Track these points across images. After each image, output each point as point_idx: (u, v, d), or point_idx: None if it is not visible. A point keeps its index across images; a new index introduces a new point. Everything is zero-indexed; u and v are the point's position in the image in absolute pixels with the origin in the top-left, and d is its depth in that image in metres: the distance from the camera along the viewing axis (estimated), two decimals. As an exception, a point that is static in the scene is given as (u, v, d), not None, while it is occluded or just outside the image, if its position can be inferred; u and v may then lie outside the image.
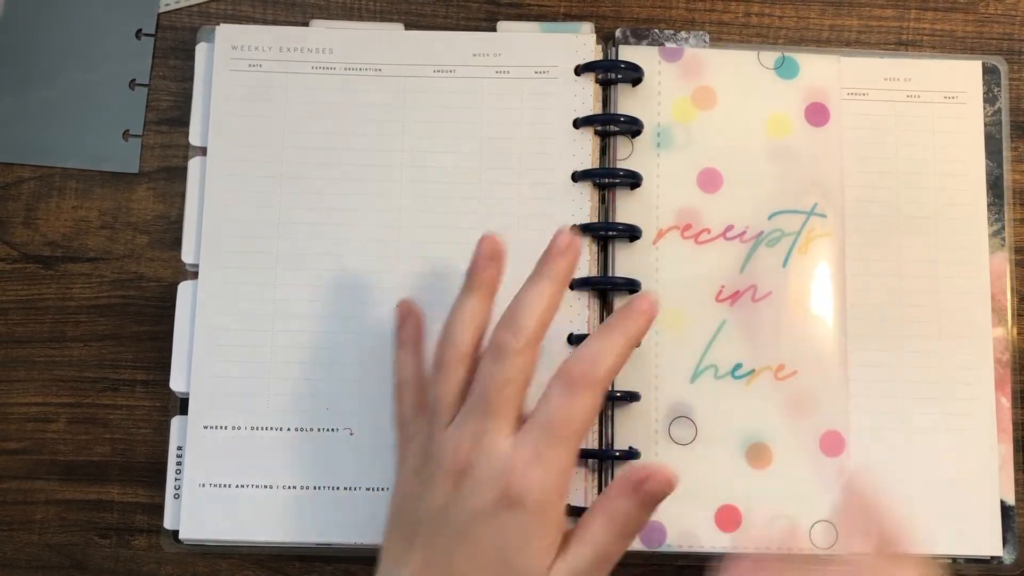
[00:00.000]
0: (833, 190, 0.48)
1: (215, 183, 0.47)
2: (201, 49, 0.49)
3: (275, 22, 0.50)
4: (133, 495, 0.47)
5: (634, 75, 0.48)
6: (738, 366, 0.46)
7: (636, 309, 0.37)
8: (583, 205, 0.47)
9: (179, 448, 0.46)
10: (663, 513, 0.45)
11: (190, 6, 0.50)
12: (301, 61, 0.48)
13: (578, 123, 0.48)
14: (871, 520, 0.39)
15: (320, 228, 0.47)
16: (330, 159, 0.48)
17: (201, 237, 0.47)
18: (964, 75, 0.50)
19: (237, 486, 0.45)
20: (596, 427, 0.46)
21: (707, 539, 0.45)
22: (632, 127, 0.48)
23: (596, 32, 0.49)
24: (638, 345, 0.41)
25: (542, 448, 0.35)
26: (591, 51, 0.49)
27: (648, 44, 0.49)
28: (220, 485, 0.45)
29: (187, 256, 0.47)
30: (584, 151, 0.48)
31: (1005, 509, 0.46)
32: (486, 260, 0.39)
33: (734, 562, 0.38)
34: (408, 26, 0.50)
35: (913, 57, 0.50)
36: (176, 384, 0.46)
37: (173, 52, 0.50)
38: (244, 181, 0.47)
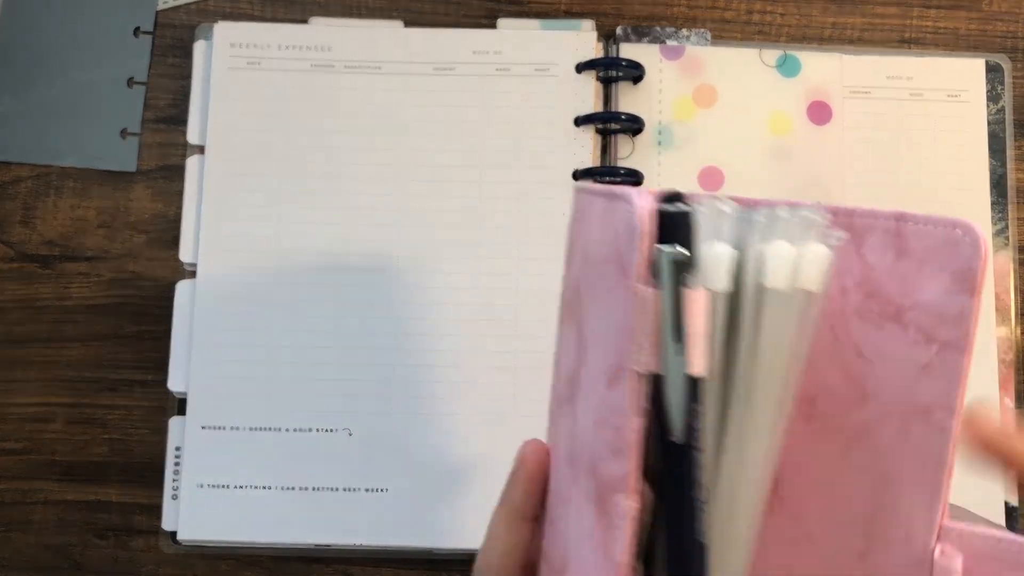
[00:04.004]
0: (834, 188, 0.48)
1: (213, 182, 0.47)
2: (199, 47, 0.49)
3: (274, 19, 0.50)
4: (131, 496, 0.47)
5: (635, 73, 0.48)
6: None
7: (514, 464, 0.30)
8: (584, 204, 0.47)
9: (177, 448, 0.45)
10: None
11: (188, 4, 0.50)
12: (300, 59, 0.48)
13: (579, 121, 0.47)
14: None
15: (318, 226, 0.47)
16: (329, 157, 0.47)
17: (199, 236, 0.47)
18: (967, 73, 0.49)
19: (236, 487, 0.45)
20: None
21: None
22: (633, 125, 0.48)
23: (597, 30, 0.49)
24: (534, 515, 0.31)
25: None
26: (592, 49, 0.48)
27: (649, 42, 0.49)
28: (219, 486, 0.45)
29: (185, 255, 0.47)
30: (585, 149, 0.47)
31: (1009, 511, 0.46)
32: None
33: None
34: (408, 23, 0.50)
35: (916, 55, 0.50)
36: (174, 384, 0.46)
37: (171, 50, 0.50)
38: (242, 179, 0.47)
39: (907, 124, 0.49)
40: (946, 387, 0.27)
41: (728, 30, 0.50)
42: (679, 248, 0.25)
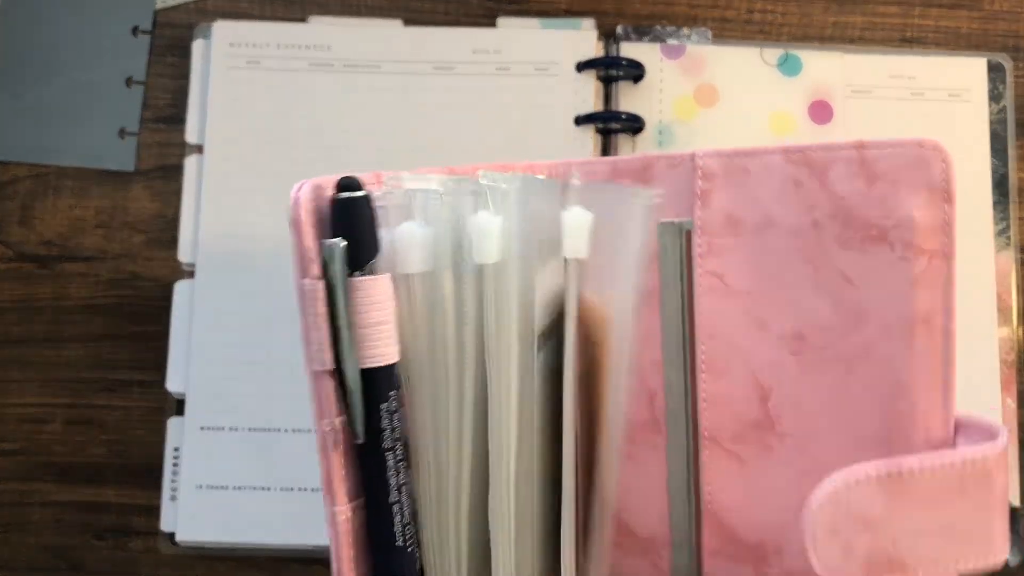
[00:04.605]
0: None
1: (212, 181, 0.47)
2: (198, 46, 0.48)
3: (273, 18, 0.50)
4: (130, 497, 0.46)
5: (636, 72, 0.48)
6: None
7: None
8: (584, 204, 0.47)
9: (176, 449, 0.45)
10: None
11: (187, 3, 0.50)
12: (299, 58, 0.48)
13: (579, 121, 0.47)
14: None
15: (318, 227, 0.47)
16: (328, 157, 0.47)
17: (198, 236, 0.46)
18: (969, 73, 0.49)
19: (235, 488, 0.45)
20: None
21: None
22: (633, 125, 0.47)
23: (597, 29, 0.49)
24: None
25: None
26: (592, 48, 0.48)
27: (650, 41, 0.49)
28: (217, 487, 0.45)
29: (183, 255, 0.47)
30: (585, 149, 0.47)
31: (1011, 511, 0.46)
32: None
33: None
34: (407, 22, 0.49)
35: (917, 54, 0.50)
36: (173, 385, 0.46)
37: (170, 49, 0.50)
38: (241, 179, 0.47)
39: (909, 123, 0.48)
40: (941, 292, 0.29)
41: (729, 29, 0.50)
42: (338, 239, 0.24)
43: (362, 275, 0.25)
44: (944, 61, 0.49)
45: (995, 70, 0.49)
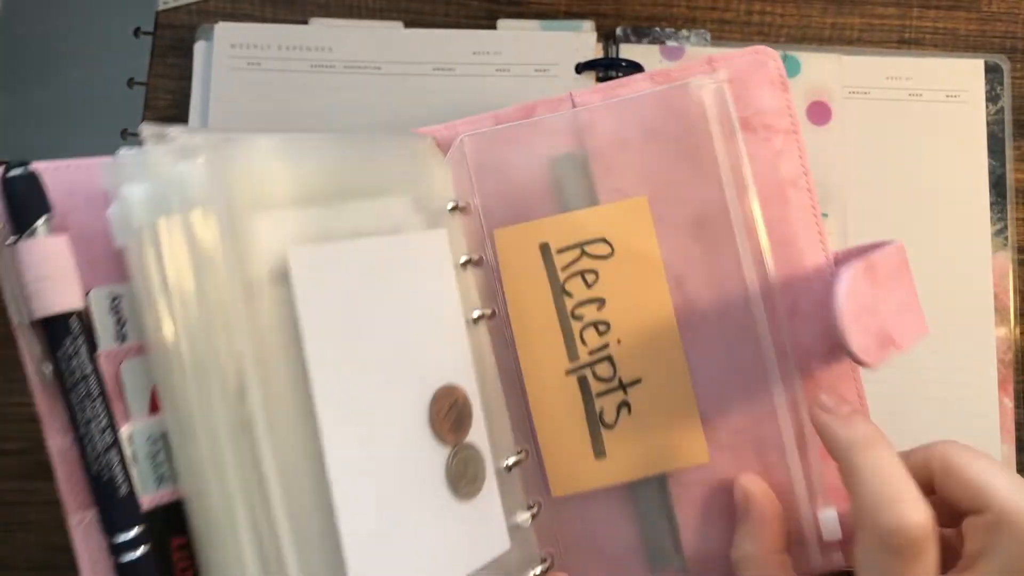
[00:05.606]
0: (835, 190, 0.48)
1: (214, 182, 0.47)
2: (200, 47, 0.49)
3: (274, 20, 0.50)
4: (131, 496, 0.47)
5: (635, 73, 0.48)
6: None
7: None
8: (584, 204, 0.47)
9: (178, 449, 0.46)
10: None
11: (188, 4, 0.50)
12: (300, 59, 0.48)
13: (579, 122, 0.48)
14: None
15: (319, 227, 0.47)
16: (329, 158, 0.47)
17: (200, 236, 0.47)
18: (966, 74, 0.50)
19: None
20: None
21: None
22: (633, 126, 0.48)
23: (597, 30, 0.49)
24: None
25: None
26: (592, 49, 0.48)
27: (649, 42, 0.49)
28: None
29: (186, 256, 0.47)
30: (585, 150, 0.47)
31: (1008, 510, 0.46)
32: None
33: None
34: (408, 24, 0.50)
35: (915, 56, 0.50)
36: (175, 384, 0.46)
37: (171, 50, 0.50)
38: (243, 180, 0.47)
39: (906, 124, 0.49)
40: (797, 160, 0.37)
41: (728, 31, 0.51)
42: None
43: (23, 240, 0.29)
44: (942, 62, 0.50)
45: (992, 71, 0.50)
